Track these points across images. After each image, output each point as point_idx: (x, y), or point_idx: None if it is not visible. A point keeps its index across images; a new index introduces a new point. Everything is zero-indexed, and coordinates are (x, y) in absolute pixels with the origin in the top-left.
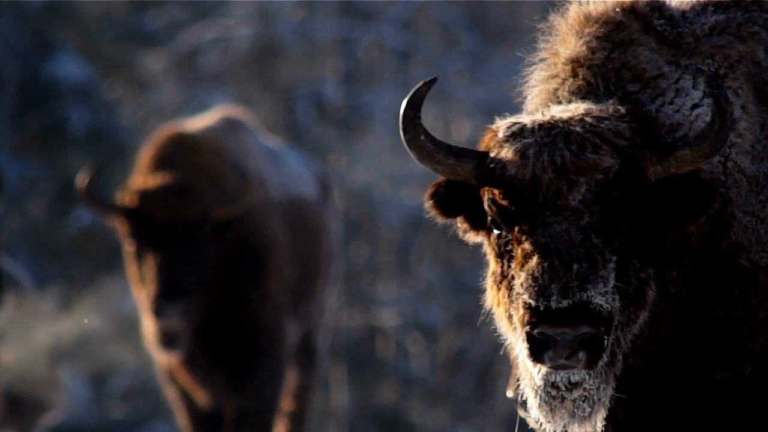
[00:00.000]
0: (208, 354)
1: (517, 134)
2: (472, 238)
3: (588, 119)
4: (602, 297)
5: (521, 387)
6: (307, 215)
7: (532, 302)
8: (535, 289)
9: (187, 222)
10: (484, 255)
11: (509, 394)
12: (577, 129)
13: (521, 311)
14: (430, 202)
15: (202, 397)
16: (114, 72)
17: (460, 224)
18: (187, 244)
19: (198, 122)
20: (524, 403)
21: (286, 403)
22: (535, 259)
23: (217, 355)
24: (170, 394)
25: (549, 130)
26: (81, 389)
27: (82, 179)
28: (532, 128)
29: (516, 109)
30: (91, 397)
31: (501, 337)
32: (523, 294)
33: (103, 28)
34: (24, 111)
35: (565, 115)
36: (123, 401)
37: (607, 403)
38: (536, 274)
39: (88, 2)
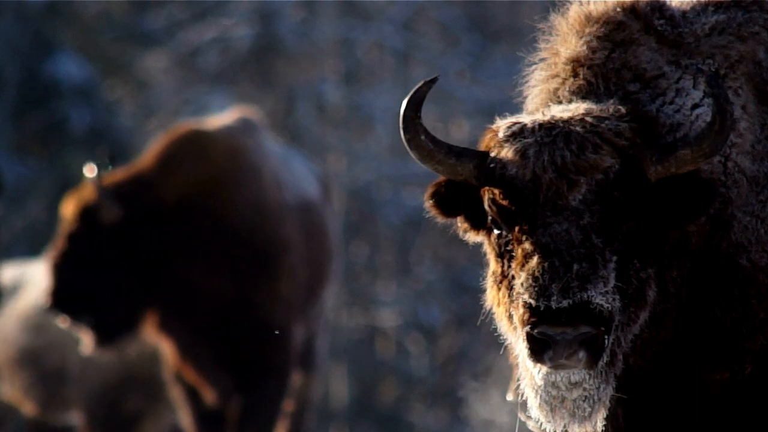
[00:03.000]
0: (215, 353)
1: (518, 134)
2: (472, 237)
3: (588, 119)
4: (602, 297)
5: (521, 387)
6: (315, 216)
7: (533, 302)
8: (536, 289)
9: (78, 225)
10: (484, 255)
11: (509, 397)
12: (578, 129)
13: (521, 311)
14: (430, 201)
15: (209, 395)
16: (114, 72)
17: (460, 224)
18: (76, 248)
19: (215, 121)
20: (524, 404)
21: (287, 404)
22: (535, 259)
23: (224, 354)
24: (175, 393)
25: (549, 129)
26: None
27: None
28: (533, 128)
29: (516, 109)
30: None
31: (501, 337)
32: (523, 294)
33: (103, 28)
34: (24, 111)
35: (566, 115)
36: None
37: (608, 402)
38: (536, 274)
39: (88, 2)
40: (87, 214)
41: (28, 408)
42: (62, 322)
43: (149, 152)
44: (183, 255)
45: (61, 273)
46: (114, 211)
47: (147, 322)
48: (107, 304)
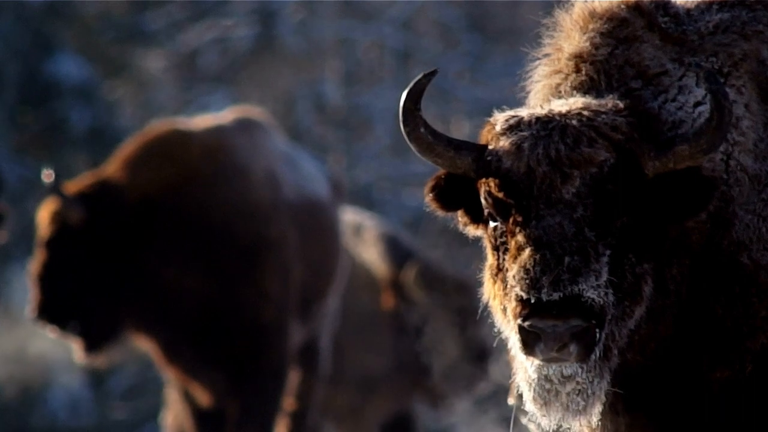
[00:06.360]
0: (200, 353)
1: (514, 127)
2: (472, 231)
3: (585, 113)
4: (594, 290)
5: (517, 380)
6: (321, 216)
7: (524, 294)
8: (527, 281)
9: (52, 234)
10: (484, 250)
11: (510, 401)
12: (573, 122)
13: (514, 303)
14: (431, 195)
15: (202, 396)
16: (114, 72)
17: (460, 218)
18: (54, 256)
19: (205, 120)
20: (520, 397)
21: (288, 403)
22: (527, 252)
23: (212, 354)
24: (174, 394)
25: (545, 123)
26: (81, 389)
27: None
28: (529, 121)
29: (517, 106)
30: (91, 397)
31: (499, 331)
32: (515, 286)
33: (103, 28)
34: (24, 111)
35: (563, 109)
36: (123, 401)
37: (603, 397)
38: (528, 266)
39: (88, 2)
40: (59, 221)
41: None
42: (51, 333)
43: (118, 153)
44: (154, 254)
45: (44, 283)
46: (76, 213)
47: (129, 323)
48: (89, 309)
